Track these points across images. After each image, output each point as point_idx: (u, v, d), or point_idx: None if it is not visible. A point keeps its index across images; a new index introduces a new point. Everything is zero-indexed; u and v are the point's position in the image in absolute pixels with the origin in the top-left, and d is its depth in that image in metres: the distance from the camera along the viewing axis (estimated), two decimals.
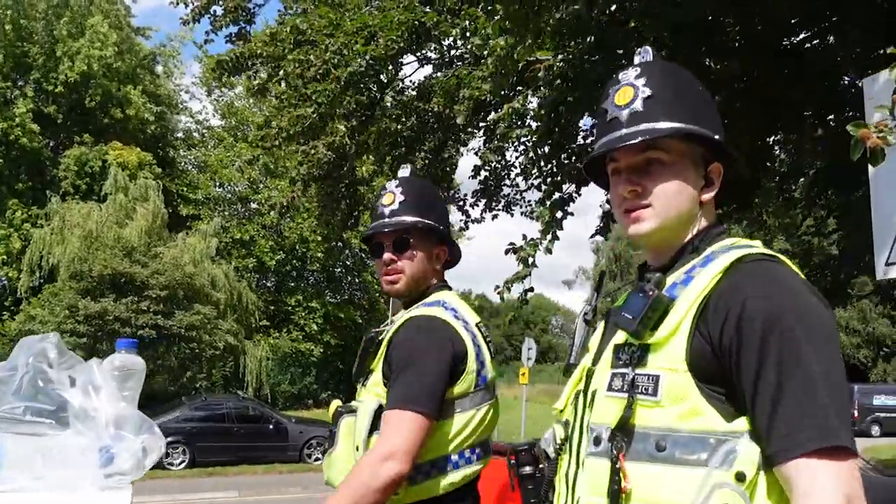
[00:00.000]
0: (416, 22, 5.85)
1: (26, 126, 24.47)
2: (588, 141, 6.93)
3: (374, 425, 1.98)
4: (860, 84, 3.27)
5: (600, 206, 6.84)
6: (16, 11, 24.99)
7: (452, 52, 7.38)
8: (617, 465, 1.18)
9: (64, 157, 25.79)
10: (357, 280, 32.00)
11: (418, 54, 7.18)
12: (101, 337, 20.46)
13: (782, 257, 1.27)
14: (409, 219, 2.16)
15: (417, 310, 2.11)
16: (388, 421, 1.93)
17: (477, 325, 2.19)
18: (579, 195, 6.39)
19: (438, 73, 7.74)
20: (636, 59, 1.44)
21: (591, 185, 6.63)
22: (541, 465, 1.40)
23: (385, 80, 7.04)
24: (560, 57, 4.91)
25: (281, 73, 6.44)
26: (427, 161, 8.61)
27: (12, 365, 1.52)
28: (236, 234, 27.69)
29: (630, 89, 1.35)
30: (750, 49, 5.90)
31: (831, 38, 6.13)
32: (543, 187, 7.23)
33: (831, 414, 1.10)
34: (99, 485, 1.46)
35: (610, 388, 1.27)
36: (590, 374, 1.37)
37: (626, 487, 1.17)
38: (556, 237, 5.98)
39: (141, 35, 29.42)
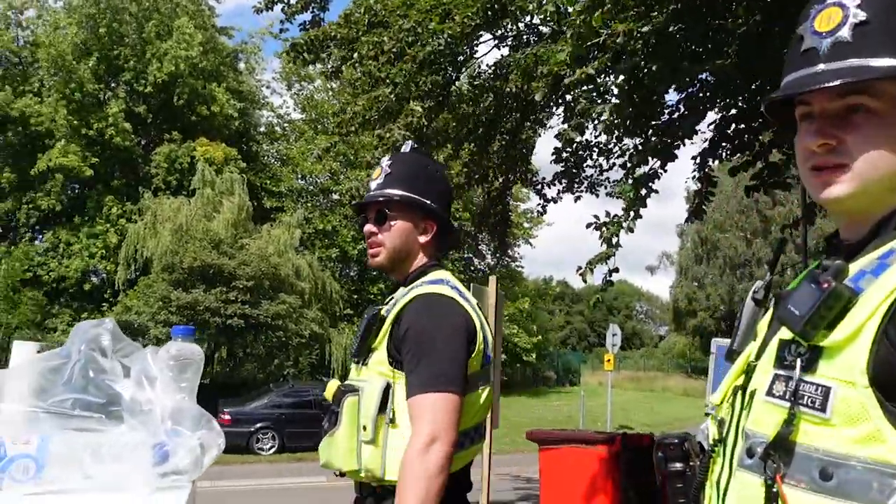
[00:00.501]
0: None
1: (119, 126, 25.56)
2: (674, 116, 6.61)
3: (383, 405, 1.95)
4: None
5: (685, 187, 6.52)
6: (109, 16, 26.05)
7: (530, 30, 7.16)
8: (774, 490, 0.98)
9: (154, 155, 26.83)
10: None
11: (495, 32, 6.99)
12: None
13: None
14: (389, 191, 2.13)
15: (423, 288, 2.04)
16: (423, 404, 1.89)
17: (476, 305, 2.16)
18: (665, 171, 6.10)
19: (516, 53, 7.54)
20: None
21: (678, 163, 6.34)
22: (691, 463, 1.27)
23: (461, 60, 6.88)
24: (639, 24, 4.64)
25: (355, 55, 6.37)
26: (504, 143, 8.41)
27: (66, 352, 1.43)
28: (319, 225, 28.18)
29: (838, 10, 1.05)
30: None
31: None
32: (627, 164, 6.95)
33: None
34: (153, 484, 1.35)
35: (770, 393, 1.05)
36: (751, 369, 1.13)
37: None
38: (638, 215, 5.70)
39: (224, 34, 30.26)
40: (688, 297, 43.31)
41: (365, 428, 1.92)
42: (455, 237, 2.37)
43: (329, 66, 7.02)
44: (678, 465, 1.31)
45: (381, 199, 2.12)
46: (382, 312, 2.03)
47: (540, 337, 37.11)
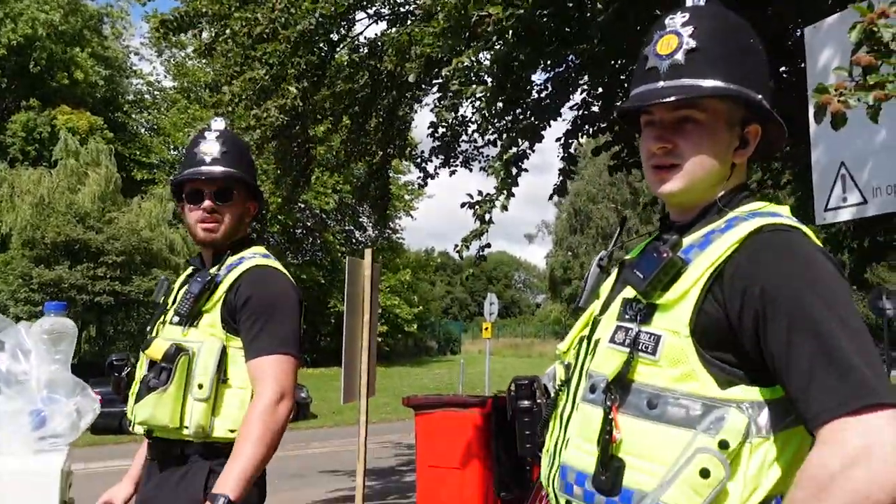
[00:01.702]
0: None
1: None
2: (542, 95, 6.92)
3: (219, 365, 2.07)
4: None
5: (559, 166, 6.87)
6: None
7: (405, 7, 7.26)
8: (609, 416, 1.21)
9: (10, 123, 25.07)
10: (319, 241, 31.80)
11: (370, 11, 7.05)
12: None
13: (801, 226, 1.26)
14: (232, 170, 2.22)
15: (257, 260, 2.20)
16: (269, 365, 2.06)
17: None
18: (533, 151, 6.42)
19: (392, 30, 7.62)
20: (689, 0, 1.35)
21: (546, 141, 6.67)
22: (539, 401, 1.44)
23: (336, 39, 6.90)
24: (510, 11, 4.86)
25: (227, 31, 6.27)
26: (381, 119, 8.51)
27: None
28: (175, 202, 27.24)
29: (674, 38, 1.29)
30: None
31: None
32: (499, 143, 7.22)
33: (864, 371, 1.08)
34: (32, 447, 1.45)
35: (612, 340, 1.28)
36: (595, 322, 1.37)
37: (616, 437, 1.20)
38: (511, 194, 5.99)
39: None
40: (563, 266, 45.07)
41: (201, 386, 2.02)
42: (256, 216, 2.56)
43: (202, 42, 6.86)
44: (526, 403, 1.49)
45: (225, 176, 2.21)
46: (216, 279, 2.14)
47: (421, 307, 37.55)
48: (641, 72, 1.34)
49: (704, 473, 1.14)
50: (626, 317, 1.27)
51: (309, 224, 31.39)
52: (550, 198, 7.39)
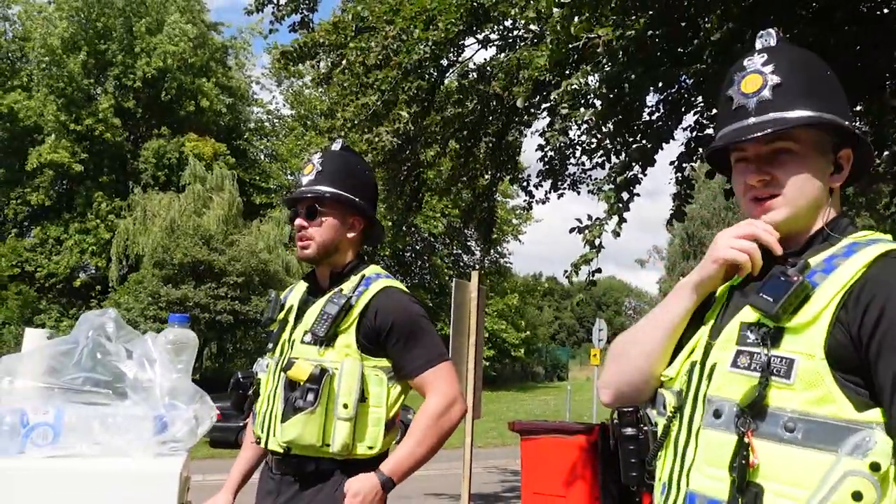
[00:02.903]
0: (475, 3, 5.82)
1: (109, 121, 25.60)
2: (654, 117, 6.79)
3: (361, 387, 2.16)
4: None
5: (672, 191, 6.69)
6: (97, 9, 26.03)
7: (514, 32, 7.32)
8: (745, 441, 1.21)
9: (144, 150, 26.86)
10: (427, 264, 32.23)
11: (478, 36, 7.15)
12: None
13: None
14: (320, 188, 2.28)
15: (385, 281, 2.28)
16: (434, 377, 2.20)
17: None
18: (645, 175, 6.30)
19: (501, 55, 7.69)
20: (758, 44, 1.43)
21: (658, 165, 6.53)
22: (645, 428, 1.44)
23: (445, 64, 7.05)
24: (619, 32, 4.81)
25: (343, 62, 6.52)
26: (491, 144, 8.58)
27: (74, 339, 1.63)
28: None
29: (758, 77, 1.35)
30: (824, 15, 5.66)
31: None
32: (608, 166, 7.12)
33: None
34: (153, 451, 1.55)
35: (735, 365, 1.28)
36: (708, 347, 1.37)
37: (753, 462, 1.20)
38: (623, 219, 5.89)
39: (213, 30, 30.25)
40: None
41: (346, 406, 2.09)
42: (379, 233, 2.59)
43: (319, 72, 7.17)
44: (630, 430, 1.47)
45: (311, 195, 2.27)
46: (351, 301, 2.20)
47: (528, 332, 37.33)
48: (728, 112, 1.39)
49: (857, 496, 1.14)
50: (749, 341, 1.27)
51: (418, 247, 31.89)
52: (669, 223, 7.21)
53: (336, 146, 2.43)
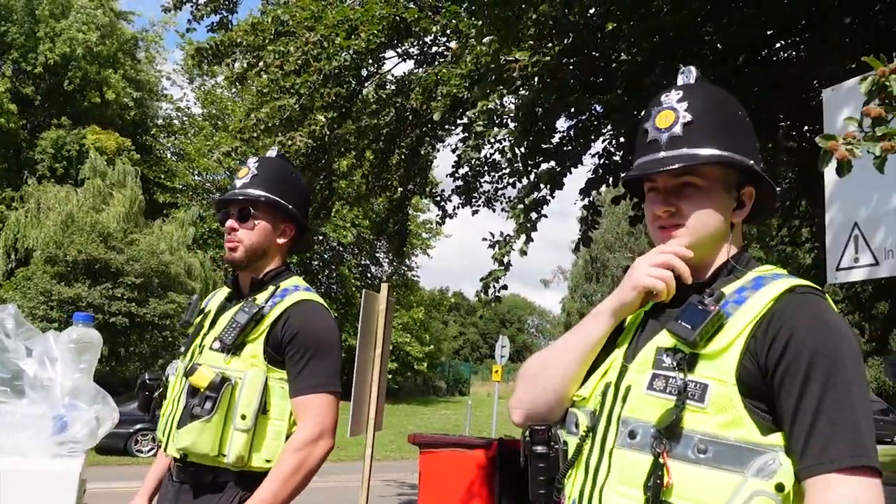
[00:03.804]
0: (397, 17, 5.88)
1: (4, 106, 24.25)
2: (564, 142, 7.01)
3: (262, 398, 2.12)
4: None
5: (578, 215, 6.91)
6: None
7: (433, 48, 7.42)
8: (661, 461, 1.26)
9: (41, 140, 25.57)
10: (334, 274, 31.93)
11: (399, 50, 7.22)
12: (70, 322, 20.18)
13: (824, 293, 1.38)
14: (254, 191, 2.28)
15: (302, 294, 2.26)
16: (311, 404, 2.15)
17: None
18: (553, 197, 6.49)
19: (419, 70, 7.78)
20: (679, 80, 1.50)
21: (566, 188, 6.74)
22: (555, 446, 1.45)
23: (365, 74, 7.07)
24: (536, 58, 4.97)
25: (261, 63, 6.46)
26: (404, 156, 8.64)
27: None
28: (213, 224, 27.54)
29: (671, 113, 1.43)
30: (725, 57, 6.01)
31: (806, 48, 6.26)
32: (518, 186, 7.29)
33: (865, 436, 1.22)
34: (52, 451, 1.50)
35: (651, 388, 1.33)
36: (623, 369, 1.41)
37: (668, 482, 1.25)
38: (530, 239, 6.06)
39: (123, 19, 29.18)
40: (578, 313, 44.87)
41: (244, 417, 2.06)
42: (307, 242, 2.59)
43: (234, 71, 7.06)
44: (541, 448, 1.47)
45: (244, 197, 2.27)
46: (263, 311, 2.18)
47: (432, 346, 37.45)
48: (643, 144, 1.47)
49: None
50: (665, 365, 1.33)
51: (326, 257, 31.56)
52: (576, 249, 7.43)
53: (272, 153, 2.43)
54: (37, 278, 21.10)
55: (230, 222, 2.26)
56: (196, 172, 29.55)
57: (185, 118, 32.13)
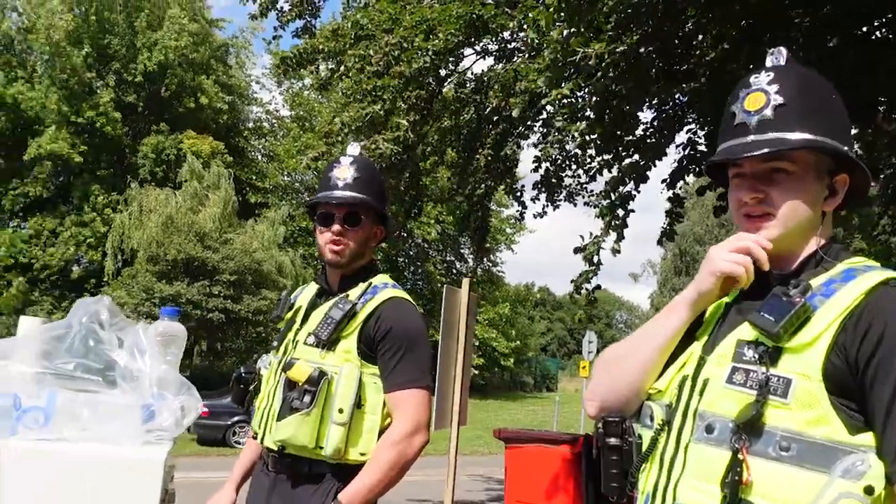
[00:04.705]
0: (474, 15, 5.89)
1: (109, 115, 25.59)
2: (647, 133, 6.87)
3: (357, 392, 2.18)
4: None
5: (665, 211, 6.78)
6: (99, 3, 26.07)
7: (512, 44, 7.39)
8: (740, 457, 1.22)
9: (142, 145, 26.85)
10: (420, 270, 32.28)
11: (477, 47, 7.23)
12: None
13: None
14: (360, 195, 2.31)
15: (392, 291, 2.30)
16: (406, 399, 2.19)
17: None
18: (638, 192, 6.37)
19: (498, 66, 7.77)
20: (768, 61, 1.42)
21: (651, 180, 6.60)
22: (629, 439, 1.43)
23: (443, 74, 7.12)
24: (612, 46, 4.88)
25: (342, 68, 6.58)
26: (489, 157, 8.63)
27: (68, 323, 1.70)
28: (302, 223, 28.29)
29: (761, 95, 1.36)
30: (817, 38, 5.75)
31: None
32: (600, 179, 7.20)
33: None
34: (140, 439, 1.61)
35: (730, 381, 1.29)
36: (701, 362, 1.37)
37: (747, 479, 1.21)
38: (621, 236, 5.96)
39: (215, 27, 30.29)
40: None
41: (341, 411, 2.12)
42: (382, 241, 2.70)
43: (318, 77, 7.23)
44: (614, 441, 1.45)
45: (354, 201, 2.30)
46: (356, 308, 2.23)
47: (519, 342, 37.36)
48: (729, 127, 1.40)
49: None
50: (745, 358, 1.29)
51: (411, 253, 31.94)
52: (659, 242, 7.27)
53: (355, 150, 2.46)
54: (140, 277, 22.21)
55: (337, 226, 2.29)
56: (285, 173, 30.42)
57: (274, 121, 33.16)
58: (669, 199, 6.99)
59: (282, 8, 7.15)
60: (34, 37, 25.40)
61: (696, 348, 1.42)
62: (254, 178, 29.45)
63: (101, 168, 26.66)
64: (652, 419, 1.39)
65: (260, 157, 31.98)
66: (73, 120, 25.23)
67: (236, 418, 17.25)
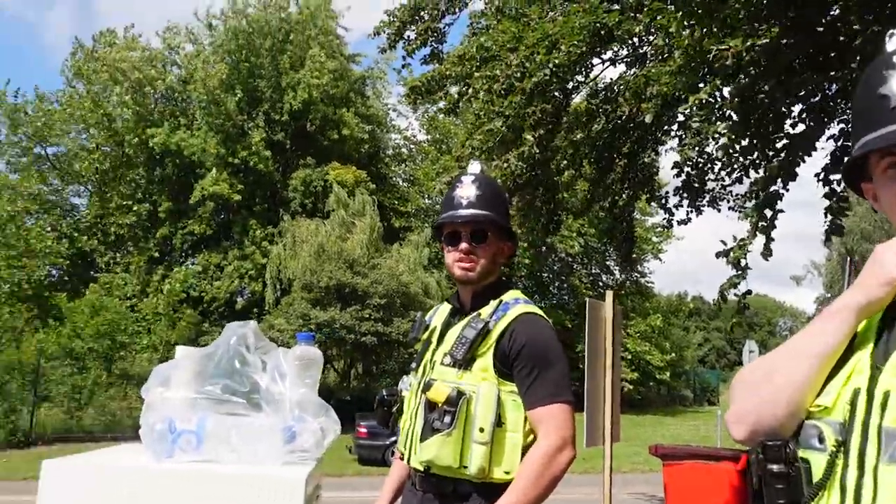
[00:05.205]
0: (598, 24, 5.80)
1: (261, 153, 27.33)
2: (796, 130, 6.49)
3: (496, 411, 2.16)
4: None
5: (825, 208, 6.35)
6: (248, 51, 28.01)
7: (640, 49, 7.22)
8: None
9: (292, 179, 28.42)
10: (565, 284, 31.92)
11: (604, 56, 7.12)
12: (328, 343, 22.11)
13: None
14: (487, 213, 2.32)
15: (524, 307, 2.27)
16: (549, 415, 2.15)
17: None
18: (787, 191, 6.02)
19: (630, 71, 7.62)
20: None
21: (806, 176, 6.21)
22: (796, 464, 1.25)
23: (570, 87, 7.05)
24: (750, 42, 4.65)
25: (470, 91, 6.68)
26: (625, 165, 8.44)
27: (217, 345, 1.84)
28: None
29: None
30: None
31: None
32: (746, 180, 6.85)
33: None
34: (282, 460, 1.71)
35: None
36: (875, 373, 1.19)
37: None
38: (770, 239, 5.64)
39: (352, 62, 31.66)
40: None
41: (482, 430, 2.12)
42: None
43: (449, 100, 7.38)
44: (779, 467, 1.28)
45: (481, 219, 2.31)
46: (489, 325, 2.24)
47: (674, 354, 36.05)
48: (883, 112, 1.20)
49: None
50: None
51: (555, 268, 31.67)
52: (826, 240, 6.80)
53: (476, 167, 2.48)
54: (296, 304, 23.38)
55: (465, 244, 2.32)
56: (426, 196, 31.13)
57: (412, 146, 34.09)
58: (826, 195, 6.54)
59: (408, 37, 7.37)
60: (192, 87, 27.65)
61: (860, 357, 1.24)
62: (396, 202, 30.36)
63: (257, 204, 28.44)
64: (821, 440, 1.21)
65: (401, 182, 32.96)
66: (230, 161, 27.14)
67: (394, 438, 17.61)
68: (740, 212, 6.69)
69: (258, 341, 1.85)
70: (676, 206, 8.76)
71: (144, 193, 28.78)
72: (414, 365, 2.44)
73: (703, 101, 4.92)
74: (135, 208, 28.10)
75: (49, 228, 26.62)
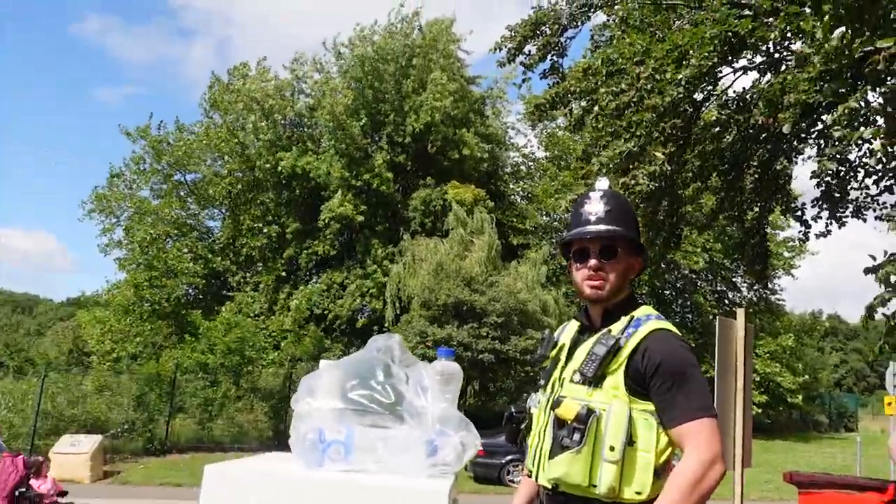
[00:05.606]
0: (729, 33, 5.57)
1: (383, 175, 28.15)
2: None
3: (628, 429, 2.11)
4: None
5: None
6: (373, 76, 28.96)
7: (775, 56, 6.89)
8: None
9: (412, 199, 29.02)
10: (688, 302, 30.85)
11: (735, 65, 6.85)
12: None
13: None
14: (617, 229, 2.27)
15: (656, 322, 2.22)
16: (695, 430, 2.08)
17: None
18: None
19: (762, 80, 7.31)
20: None
21: None
22: None
23: (700, 99, 6.83)
24: None
25: (596, 108, 6.58)
26: (756, 176, 8.09)
27: (363, 356, 1.89)
28: (563, 261, 28.31)
29: None
30: None
31: None
32: None
33: None
34: (426, 472, 1.72)
35: None
36: None
37: None
38: None
39: (472, 84, 32.08)
40: None
41: (612, 448, 2.08)
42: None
43: (573, 117, 7.31)
44: None
45: (611, 234, 2.28)
46: (620, 342, 2.19)
47: (807, 376, 34.03)
48: None
49: None
50: None
51: (678, 285, 30.67)
52: None
53: (604, 184, 2.44)
54: (415, 321, 23.75)
55: (593, 261, 2.29)
56: (544, 213, 30.98)
57: (530, 163, 34.04)
58: None
59: (528, 51, 7.36)
60: (320, 113, 28.82)
61: None
62: (514, 220, 30.38)
63: (378, 224, 29.20)
64: None
65: (519, 200, 32.98)
66: (353, 183, 28.04)
67: (510, 457, 17.62)
68: (889, 221, 6.22)
69: (402, 354, 1.89)
70: (814, 218, 8.30)
71: (273, 215, 30.15)
72: (542, 382, 2.40)
73: (851, 109, 4.62)
74: (264, 230, 29.48)
75: (186, 250, 28.39)
